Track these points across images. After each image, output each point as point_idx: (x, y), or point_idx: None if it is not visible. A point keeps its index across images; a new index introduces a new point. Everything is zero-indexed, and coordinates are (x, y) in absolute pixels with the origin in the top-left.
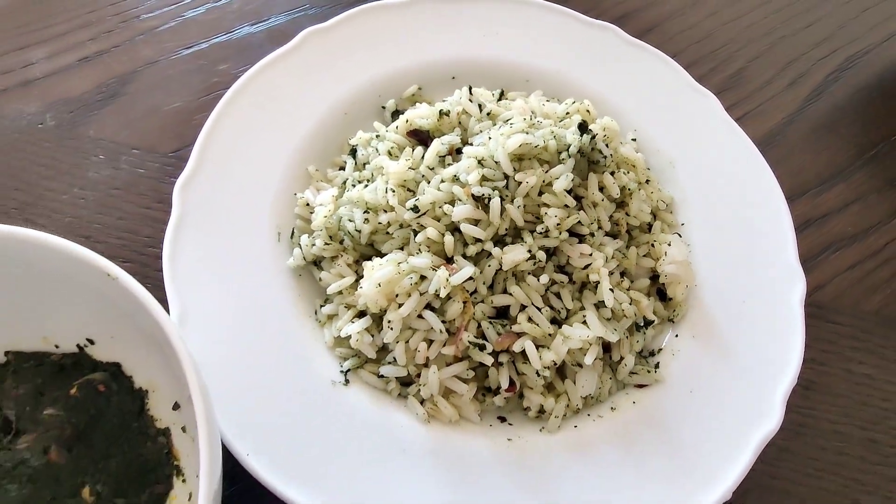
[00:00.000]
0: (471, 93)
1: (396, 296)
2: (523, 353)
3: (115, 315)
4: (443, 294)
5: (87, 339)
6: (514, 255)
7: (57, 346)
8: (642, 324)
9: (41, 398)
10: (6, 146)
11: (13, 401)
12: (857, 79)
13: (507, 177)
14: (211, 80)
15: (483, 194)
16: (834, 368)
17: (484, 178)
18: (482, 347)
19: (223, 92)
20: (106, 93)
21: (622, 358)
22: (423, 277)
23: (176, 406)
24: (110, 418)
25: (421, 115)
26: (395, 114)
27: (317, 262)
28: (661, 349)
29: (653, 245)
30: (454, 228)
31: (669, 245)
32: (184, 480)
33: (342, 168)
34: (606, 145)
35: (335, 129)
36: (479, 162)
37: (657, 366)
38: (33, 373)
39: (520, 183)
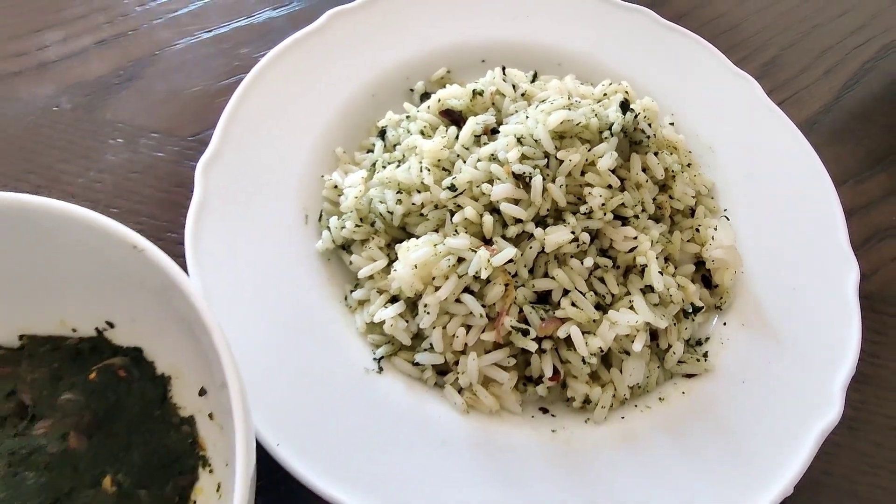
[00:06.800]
0: (504, 73)
1: (433, 279)
2: (567, 339)
3: (140, 294)
4: (484, 275)
5: (107, 323)
6: (556, 236)
7: (74, 330)
8: (690, 310)
9: (59, 383)
10: (20, 128)
11: (29, 385)
12: (894, 68)
13: (547, 155)
14: (232, 63)
15: (524, 172)
16: (887, 360)
17: (524, 157)
18: (525, 333)
19: (244, 76)
20: (123, 76)
21: (670, 346)
22: (461, 260)
23: (202, 392)
24: (131, 406)
25: (453, 95)
26: (424, 96)
27: (346, 246)
28: (708, 338)
29: (697, 230)
30: (492, 209)
31: (716, 229)
32: (211, 471)
33: (370, 151)
34: (649, 125)
35: (362, 111)
36: (518, 140)
37: (706, 355)
38: (49, 357)
39: (561, 161)
